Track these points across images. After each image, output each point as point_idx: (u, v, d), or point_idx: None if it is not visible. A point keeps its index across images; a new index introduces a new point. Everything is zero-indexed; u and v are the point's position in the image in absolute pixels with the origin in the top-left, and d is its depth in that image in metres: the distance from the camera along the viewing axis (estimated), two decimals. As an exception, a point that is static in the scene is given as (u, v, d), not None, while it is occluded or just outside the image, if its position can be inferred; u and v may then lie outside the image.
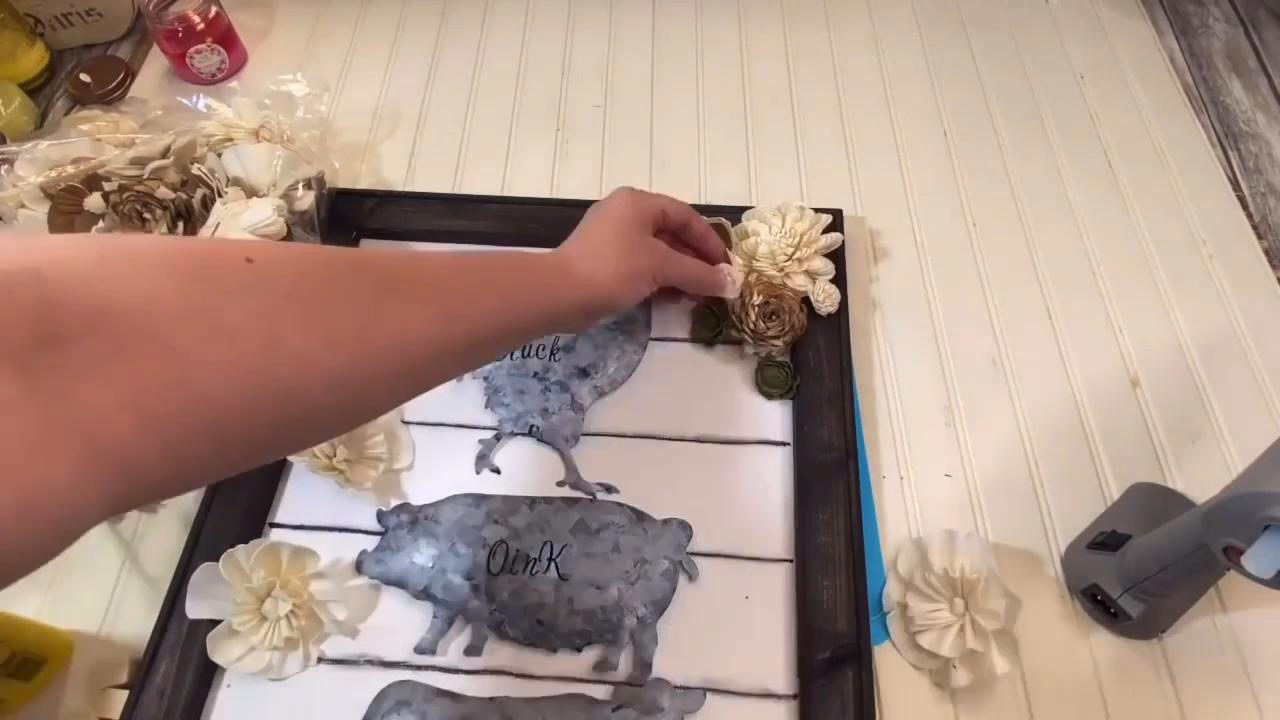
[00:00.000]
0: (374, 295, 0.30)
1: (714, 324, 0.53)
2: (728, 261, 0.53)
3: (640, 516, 0.47)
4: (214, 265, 0.26)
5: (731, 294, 0.52)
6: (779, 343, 0.51)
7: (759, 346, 0.52)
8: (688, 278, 0.50)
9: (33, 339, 0.21)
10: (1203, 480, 0.49)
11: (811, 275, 0.53)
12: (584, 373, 0.52)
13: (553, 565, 0.45)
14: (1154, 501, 0.47)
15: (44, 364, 0.21)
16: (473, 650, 0.44)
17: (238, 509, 0.47)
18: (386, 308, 0.31)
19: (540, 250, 0.43)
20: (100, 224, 0.48)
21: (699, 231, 0.51)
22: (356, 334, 0.29)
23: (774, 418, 0.51)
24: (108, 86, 0.68)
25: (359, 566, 0.46)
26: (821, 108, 0.67)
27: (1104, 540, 0.44)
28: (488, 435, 0.50)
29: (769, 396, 0.51)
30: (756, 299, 0.51)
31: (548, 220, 0.58)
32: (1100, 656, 0.44)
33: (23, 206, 0.50)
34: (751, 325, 0.51)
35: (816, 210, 0.54)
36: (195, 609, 0.42)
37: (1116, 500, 0.48)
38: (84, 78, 0.68)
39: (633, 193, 0.47)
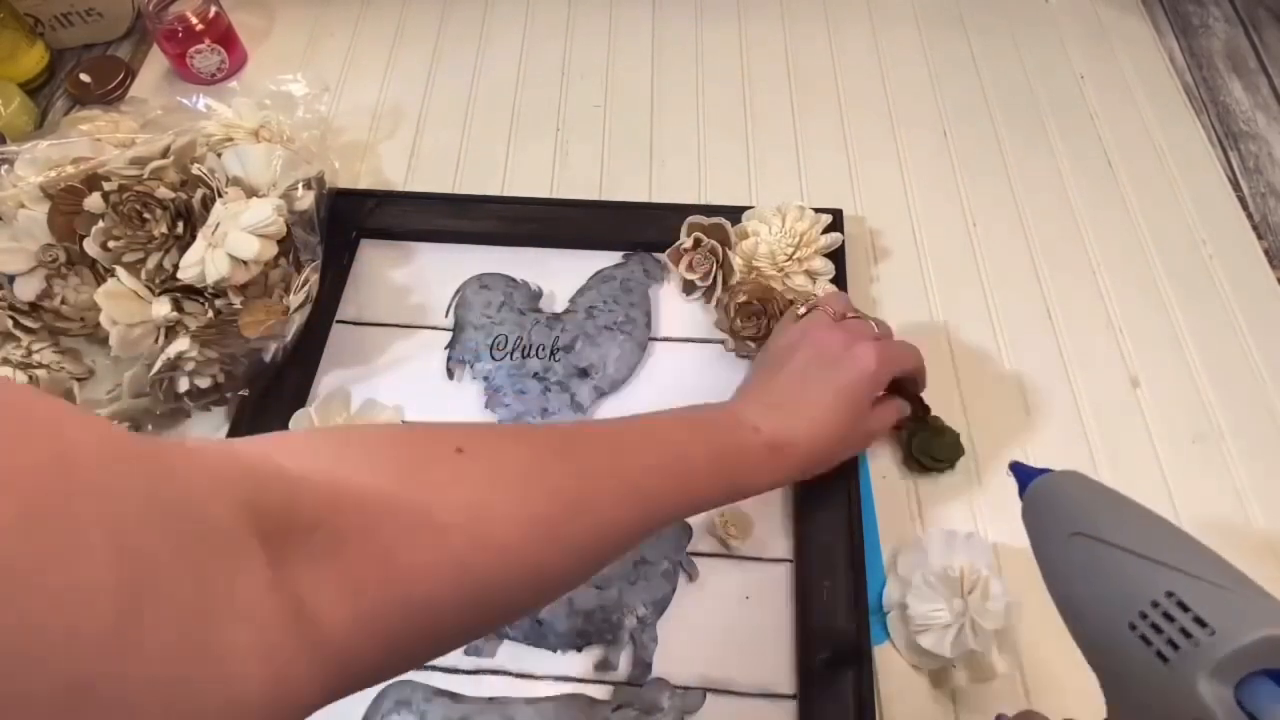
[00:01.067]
0: (577, 488, 0.31)
1: (943, 449, 0.49)
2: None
3: (640, 516, 0.47)
4: (427, 458, 0.28)
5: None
6: (752, 344, 0.51)
7: (737, 345, 0.52)
8: (883, 432, 0.47)
9: (280, 529, 0.22)
10: (1203, 479, 0.49)
11: (811, 275, 0.53)
12: (584, 373, 0.52)
13: (553, 565, 0.45)
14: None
15: (286, 554, 0.22)
16: (472, 650, 0.44)
17: (237, 509, 0.46)
18: (588, 500, 0.31)
19: (747, 402, 0.42)
20: (100, 223, 0.48)
21: (916, 384, 0.48)
22: (558, 527, 0.30)
23: (774, 418, 0.51)
24: (108, 86, 0.68)
25: (359, 566, 0.46)
26: (821, 107, 0.67)
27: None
28: (488, 435, 0.50)
29: (928, 470, 0.48)
30: (740, 298, 0.51)
31: (548, 220, 0.58)
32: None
33: (22, 206, 0.50)
34: (729, 322, 0.51)
35: (816, 210, 0.54)
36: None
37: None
38: (84, 78, 0.68)
39: (880, 361, 0.42)
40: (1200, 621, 0.24)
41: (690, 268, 0.54)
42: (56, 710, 0.15)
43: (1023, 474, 0.34)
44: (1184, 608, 0.24)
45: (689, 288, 0.55)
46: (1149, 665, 0.25)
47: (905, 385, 0.47)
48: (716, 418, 0.40)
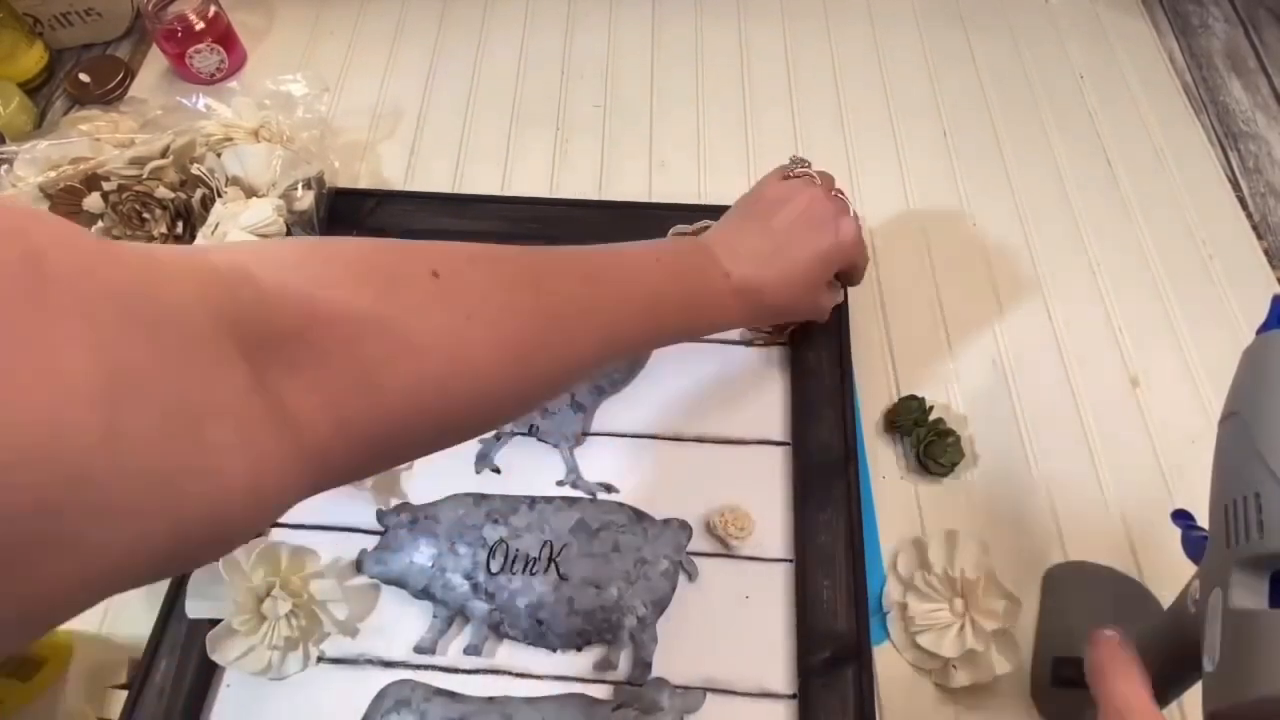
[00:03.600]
0: (548, 318, 0.32)
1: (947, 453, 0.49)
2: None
3: (640, 516, 0.47)
4: (403, 279, 0.28)
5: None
6: (767, 331, 0.52)
7: (755, 335, 0.52)
8: (824, 316, 0.49)
9: (254, 336, 0.23)
10: (1203, 479, 0.48)
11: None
12: (584, 372, 0.52)
13: (553, 565, 0.45)
14: (1083, 587, 0.45)
15: (263, 361, 0.23)
16: (472, 650, 0.44)
17: (237, 509, 0.46)
18: (559, 330, 0.33)
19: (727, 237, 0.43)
20: (99, 224, 0.48)
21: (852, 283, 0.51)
22: (527, 356, 0.31)
23: (774, 418, 0.51)
24: (107, 86, 0.68)
25: (359, 566, 0.46)
26: (821, 107, 0.67)
27: (1068, 676, 0.38)
28: (488, 435, 0.50)
29: (931, 472, 0.49)
30: None
31: (548, 220, 0.58)
32: (1100, 656, 0.44)
33: (22, 206, 0.50)
34: None
35: (816, 210, 0.54)
36: (195, 608, 0.42)
37: (1041, 596, 0.45)
38: (83, 77, 0.68)
39: (857, 236, 0.46)
40: (1261, 526, 0.26)
41: None
42: (46, 503, 0.15)
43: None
44: (1259, 509, 0.26)
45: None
46: (1216, 541, 0.28)
47: (845, 276, 0.49)
48: (688, 256, 0.42)
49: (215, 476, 0.20)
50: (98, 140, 0.54)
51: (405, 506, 0.47)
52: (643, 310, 0.37)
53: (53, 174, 0.50)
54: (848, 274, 0.49)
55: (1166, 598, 0.39)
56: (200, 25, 0.66)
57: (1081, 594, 0.45)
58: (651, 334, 0.38)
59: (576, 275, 0.35)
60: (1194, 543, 0.32)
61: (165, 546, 0.19)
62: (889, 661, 0.44)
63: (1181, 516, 0.34)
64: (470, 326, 0.29)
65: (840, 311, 0.52)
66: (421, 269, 0.29)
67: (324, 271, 0.26)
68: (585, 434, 0.50)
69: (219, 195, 0.50)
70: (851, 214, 0.47)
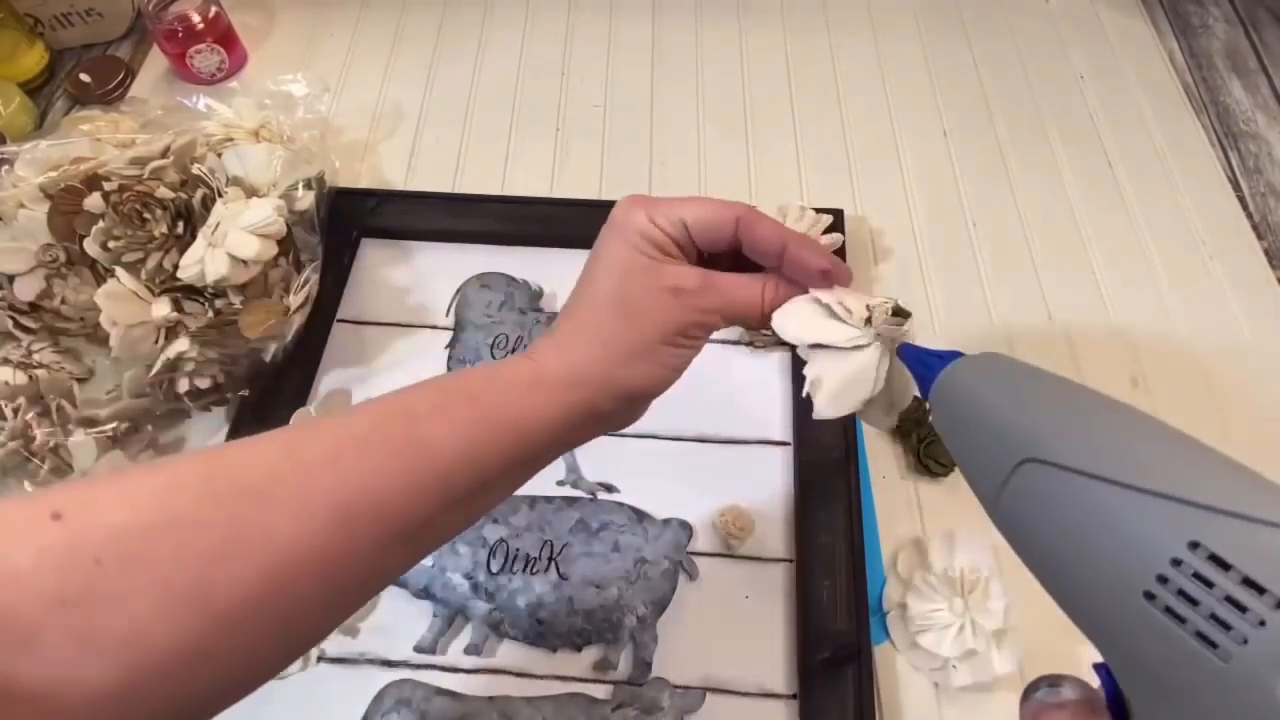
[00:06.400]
0: (226, 520, 0.23)
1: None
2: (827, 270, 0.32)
3: (640, 516, 0.47)
4: (78, 571, 0.21)
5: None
6: (768, 333, 0.51)
7: (755, 336, 0.52)
8: (739, 311, 0.33)
9: None
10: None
11: (811, 275, 0.53)
12: (584, 372, 0.52)
13: (553, 565, 0.45)
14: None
15: None
16: (473, 649, 0.44)
17: (238, 509, 0.46)
18: (237, 537, 0.23)
19: (513, 357, 0.32)
20: (100, 223, 0.48)
21: (769, 237, 0.31)
22: (198, 593, 0.22)
23: (774, 418, 0.51)
24: (107, 86, 0.68)
25: (359, 566, 0.46)
26: (822, 107, 0.67)
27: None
28: (488, 435, 0.50)
29: (935, 474, 0.48)
30: None
31: (548, 220, 0.58)
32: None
33: (22, 206, 0.50)
34: None
35: (817, 210, 0.54)
36: (195, 609, 0.42)
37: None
38: (84, 77, 0.68)
39: (626, 213, 0.33)
40: (1253, 584, 0.16)
41: None
42: None
43: (922, 367, 0.25)
44: (1222, 564, 0.16)
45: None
46: (1190, 657, 0.17)
47: (758, 245, 0.32)
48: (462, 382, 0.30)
49: None
50: (98, 140, 0.54)
51: (405, 506, 0.47)
52: (401, 456, 0.26)
53: (53, 174, 0.50)
54: (676, 242, 0.32)
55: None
56: (201, 25, 0.66)
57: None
58: (444, 472, 0.27)
59: (276, 448, 0.25)
60: (924, 365, 0.26)
61: None
62: (889, 661, 0.44)
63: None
64: (155, 626, 0.21)
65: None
66: (88, 556, 0.21)
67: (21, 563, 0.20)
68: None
69: (219, 195, 0.50)
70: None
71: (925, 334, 0.54)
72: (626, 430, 0.50)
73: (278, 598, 0.23)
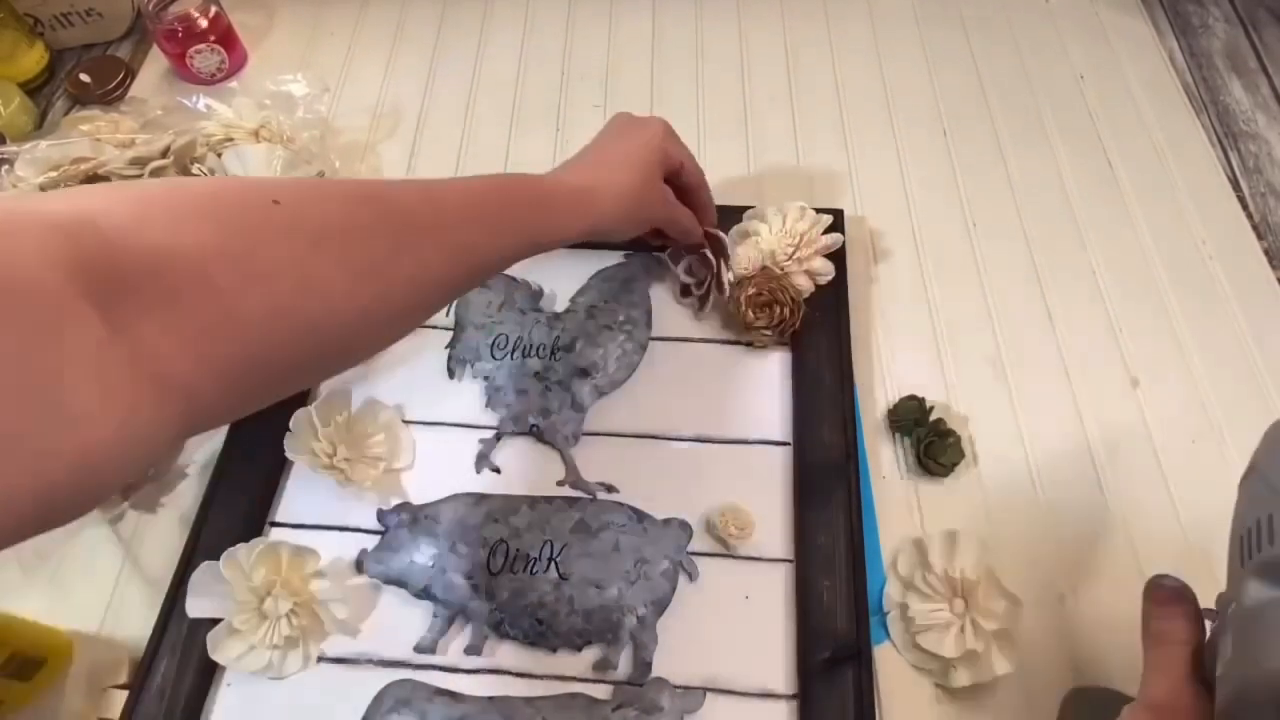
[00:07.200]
0: (394, 236, 0.32)
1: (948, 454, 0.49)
2: (716, 239, 0.52)
3: (640, 516, 0.47)
4: (245, 210, 0.28)
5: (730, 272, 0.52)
6: (768, 333, 0.51)
7: (754, 336, 0.52)
8: (682, 227, 0.49)
9: (104, 284, 0.23)
10: (1203, 479, 0.49)
11: (812, 276, 0.53)
12: (584, 373, 0.52)
13: (553, 565, 0.45)
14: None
15: (116, 307, 0.23)
16: (473, 650, 0.44)
17: (238, 508, 0.47)
18: (405, 247, 0.32)
19: (554, 171, 0.44)
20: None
21: (703, 201, 0.51)
22: (377, 274, 0.31)
23: (774, 418, 0.51)
24: (107, 86, 0.68)
25: (359, 566, 0.46)
26: (822, 107, 0.67)
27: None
28: (488, 435, 0.50)
29: (932, 473, 0.49)
30: (750, 290, 0.51)
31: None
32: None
33: (23, 206, 0.50)
34: (741, 316, 0.51)
35: (817, 210, 0.54)
36: (196, 608, 0.42)
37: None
38: (84, 78, 0.68)
39: (666, 129, 0.47)
40: (1272, 536, 0.26)
41: (689, 271, 0.54)
42: None
43: None
44: (1270, 526, 0.26)
45: (685, 291, 0.55)
46: (1233, 570, 0.28)
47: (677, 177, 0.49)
48: (519, 176, 0.42)
49: (79, 431, 0.21)
50: (98, 140, 0.54)
51: (405, 506, 0.47)
52: (487, 224, 0.37)
53: (53, 174, 0.50)
54: (676, 173, 0.48)
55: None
56: (201, 25, 0.66)
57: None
58: (498, 247, 0.38)
59: (416, 196, 0.35)
60: None
61: (31, 507, 0.20)
62: (889, 661, 0.44)
63: None
64: (316, 250, 0.29)
65: (840, 312, 0.52)
66: (263, 199, 0.29)
67: (167, 211, 0.26)
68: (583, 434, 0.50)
69: (219, 195, 0.50)
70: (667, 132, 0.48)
71: (925, 333, 0.54)
72: (627, 430, 0.50)
73: (419, 267, 0.33)
